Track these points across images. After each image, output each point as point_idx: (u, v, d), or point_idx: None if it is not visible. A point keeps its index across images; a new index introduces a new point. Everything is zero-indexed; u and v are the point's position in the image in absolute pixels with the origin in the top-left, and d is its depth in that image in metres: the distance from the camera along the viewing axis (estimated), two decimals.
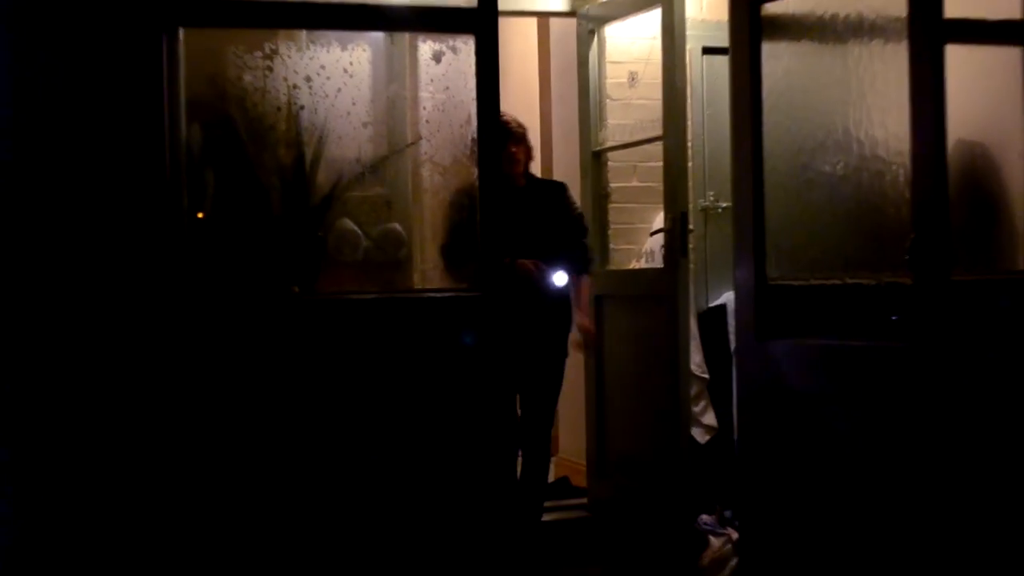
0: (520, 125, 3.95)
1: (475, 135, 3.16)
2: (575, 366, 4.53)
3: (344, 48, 3.21)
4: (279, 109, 3.18)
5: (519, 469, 3.89)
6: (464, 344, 3.11)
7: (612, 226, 4.65)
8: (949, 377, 3.03)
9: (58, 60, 2.89)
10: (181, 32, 3.04)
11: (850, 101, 3.27)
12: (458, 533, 3.11)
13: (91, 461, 2.87)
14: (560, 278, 3.83)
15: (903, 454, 3.06)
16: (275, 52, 3.14)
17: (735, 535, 3.76)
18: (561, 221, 3.89)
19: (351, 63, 3.23)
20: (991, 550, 3.16)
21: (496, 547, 3.15)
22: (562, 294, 3.88)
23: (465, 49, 3.19)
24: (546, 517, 4.16)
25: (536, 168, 5.46)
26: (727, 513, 3.94)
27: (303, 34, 3.19)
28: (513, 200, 3.71)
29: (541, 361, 3.80)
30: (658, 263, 4.29)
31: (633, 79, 4.67)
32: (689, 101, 4.44)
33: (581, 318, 3.99)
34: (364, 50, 3.28)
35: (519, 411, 3.91)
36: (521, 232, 3.71)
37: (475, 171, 3.17)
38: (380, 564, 3.05)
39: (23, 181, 2.87)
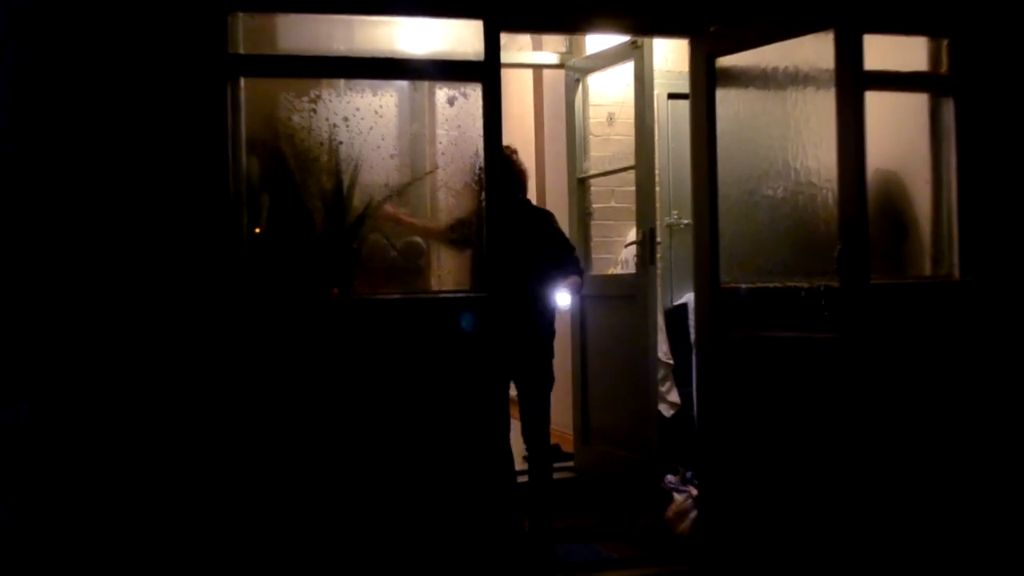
0: (510, 149, 3.69)
1: (482, 165, 3.18)
2: (564, 356, 4.54)
3: (375, 94, 3.22)
4: (322, 144, 3.18)
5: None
6: (472, 334, 3.13)
7: (594, 239, 4.64)
8: (869, 361, 3.05)
9: (146, 104, 2.92)
10: (242, 81, 3.07)
11: (788, 137, 3.29)
12: (468, 482, 3.14)
13: (173, 433, 2.90)
14: (563, 299, 3.77)
15: (833, 424, 3.08)
16: (319, 97, 3.16)
17: (695, 492, 3.76)
18: (551, 239, 3.82)
19: (381, 106, 3.24)
20: (904, 494, 3.20)
21: (493, 490, 3.18)
22: (551, 306, 3.79)
23: (474, 95, 3.20)
24: None
25: (532, 191, 5.48)
26: (688, 474, 3.93)
27: (342, 82, 3.20)
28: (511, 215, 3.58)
29: (535, 360, 3.72)
30: (631, 269, 4.29)
31: (611, 119, 4.68)
32: (657, 137, 4.43)
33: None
34: (391, 95, 3.29)
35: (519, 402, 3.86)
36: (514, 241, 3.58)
37: (482, 194, 3.18)
38: (408, 502, 3.09)
39: (115, 207, 2.90)
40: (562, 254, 3.81)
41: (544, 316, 3.75)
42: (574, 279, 3.77)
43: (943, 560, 3.24)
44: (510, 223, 3.37)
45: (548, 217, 3.92)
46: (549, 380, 3.80)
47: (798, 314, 3.23)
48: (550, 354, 3.79)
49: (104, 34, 2.89)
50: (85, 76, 2.88)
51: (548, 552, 3.63)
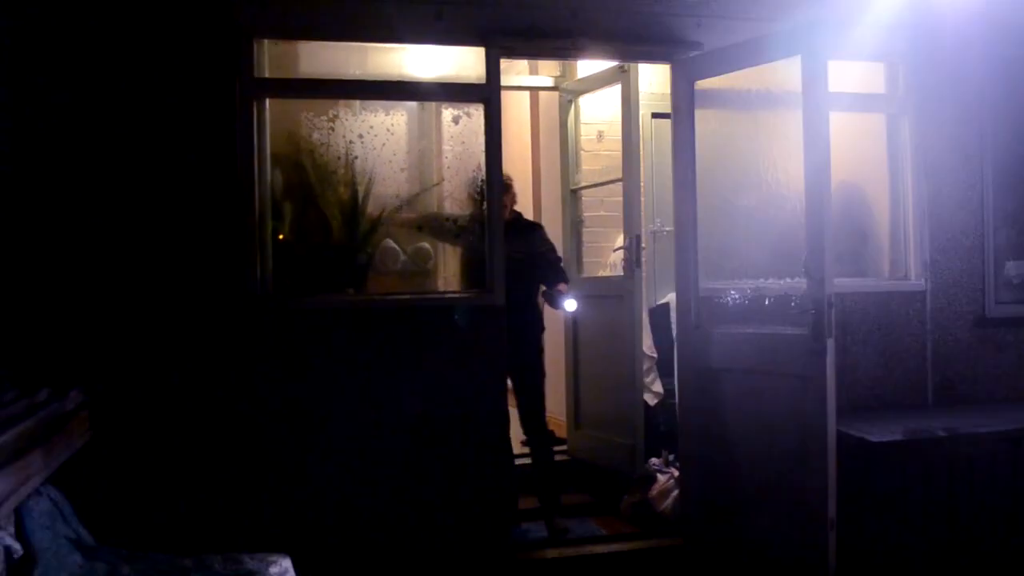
0: (508, 178, 3.66)
1: (484, 178, 3.19)
2: (558, 350, 4.55)
3: (387, 113, 3.24)
4: (339, 158, 3.19)
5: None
6: (471, 329, 3.14)
7: (585, 244, 4.64)
8: (832, 354, 3.05)
9: (182, 124, 2.92)
10: (268, 102, 3.07)
11: (760, 152, 3.30)
12: (472, 456, 3.16)
13: (214, 418, 2.91)
14: (571, 304, 3.77)
15: (799, 408, 3.08)
16: (336, 116, 3.17)
17: (676, 473, 3.76)
18: (541, 249, 3.83)
19: (392, 124, 3.25)
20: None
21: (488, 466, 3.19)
22: (538, 309, 3.78)
23: (476, 114, 3.22)
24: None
25: (527, 201, 5.48)
26: (670, 457, 3.94)
27: (357, 103, 3.21)
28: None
29: (528, 355, 3.71)
30: (619, 272, 4.29)
31: (600, 136, 4.68)
32: (642, 152, 4.43)
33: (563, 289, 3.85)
34: (402, 114, 3.31)
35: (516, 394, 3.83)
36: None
37: (484, 205, 3.19)
38: (422, 467, 3.11)
39: (153, 216, 2.91)
40: (552, 262, 3.82)
41: (533, 316, 3.75)
42: (565, 285, 3.79)
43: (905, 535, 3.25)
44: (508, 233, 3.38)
45: (540, 229, 3.93)
46: (541, 372, 3.80)
47: (769, 312, 3.24)
48: (540, 349, 3.80)
49: (142, 61, 2.90)
50: (123, 103, 2.89)
51: (557, 527, 3.62)
